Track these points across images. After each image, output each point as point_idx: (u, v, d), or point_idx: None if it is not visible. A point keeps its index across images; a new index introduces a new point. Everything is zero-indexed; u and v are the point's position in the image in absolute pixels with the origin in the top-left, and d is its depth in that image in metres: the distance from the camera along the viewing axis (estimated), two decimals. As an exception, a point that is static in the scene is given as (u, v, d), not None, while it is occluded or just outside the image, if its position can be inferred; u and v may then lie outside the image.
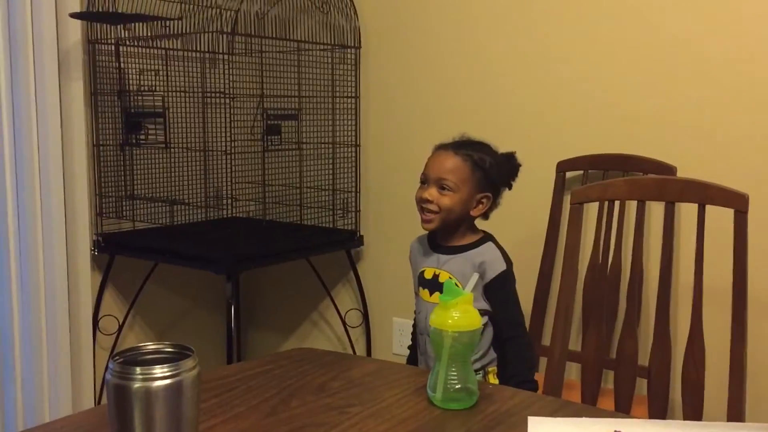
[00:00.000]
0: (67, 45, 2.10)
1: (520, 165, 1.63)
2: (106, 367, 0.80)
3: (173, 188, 2.40)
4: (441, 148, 1.61)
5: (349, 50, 2.40)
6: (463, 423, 1.00)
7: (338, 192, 2.45)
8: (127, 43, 2.24)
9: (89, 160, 2.22)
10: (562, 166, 2.06)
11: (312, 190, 2.46)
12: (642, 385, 1.61)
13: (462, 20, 2.26)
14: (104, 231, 2.28)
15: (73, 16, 2.02)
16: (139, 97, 2.28)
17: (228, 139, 2.13)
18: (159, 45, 2.28)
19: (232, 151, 2.15)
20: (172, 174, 2.40)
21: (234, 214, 2.32)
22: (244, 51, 2.30)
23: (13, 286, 2.05)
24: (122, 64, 2.25)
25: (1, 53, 1.96)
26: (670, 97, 1.95)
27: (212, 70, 2.45)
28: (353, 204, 2.45)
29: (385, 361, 1.27)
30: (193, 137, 2.42)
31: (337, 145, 2.43)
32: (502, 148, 1.64)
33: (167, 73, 2.34)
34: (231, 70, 2.16)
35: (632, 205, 1.75)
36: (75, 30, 2.11)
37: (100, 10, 2.11)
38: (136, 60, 2.29)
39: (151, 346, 0.82)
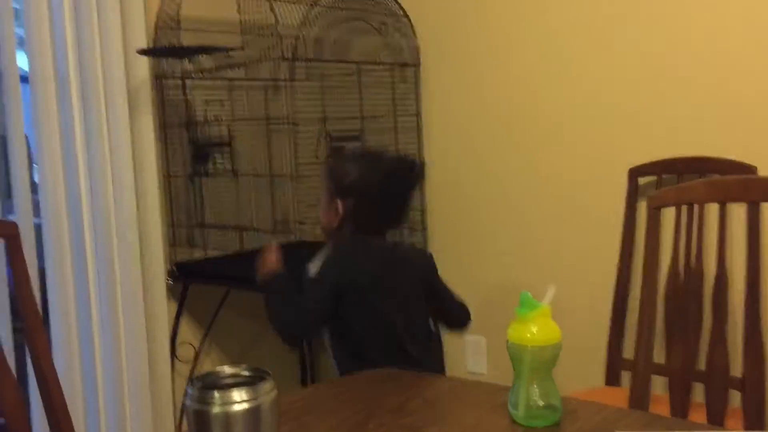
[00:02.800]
0: (136, 81, 2.17)
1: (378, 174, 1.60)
2: (185, 393, 0.80)
3: (242, 215, 2.43)
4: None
5: (408, 68, 2.40)
6: (549, 441, 0.96)
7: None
8: (193, 76, 2.30)
9: (161, 191, 2.27)
10: (635, 172, 1.99)
11: (378, 210, 2.45)
12: (734, 398, 1.53)
13: (519, 32, 2.23)
14: (178, 260, 2.33)
15: (140, 52, 2.09)
16: (206, 128, 2.33)
17: (292, 164, 2.15)
18: (223, 76, 2.33)
19: (297, 175, 2.16)
20: (240, 201, 2.43)
21: (301, 238, 2.33)
22: (305, 77, 2.32)
23: (94, 318, 2.11)
24: (188, 96, 2.31)
25: (74, 92, 2.04)
26: (746, 93, 1.87)
27: (275, 97, 2.49)
28: (420, 221, 2.43)
29: (460, 379, 1.24)
30: (259, 164, 2.45)
31: (402, 164, 2.42)
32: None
33: (231, 103, 2.39)
34: (293, 96, 2.18)
35: (709, 210, 1.67)
36: (143, 66, 2.17)
37: (166, 45, 2.17)
38: (202, 92, 2.34)
39: (228, 370, 0.81)
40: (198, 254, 2.37)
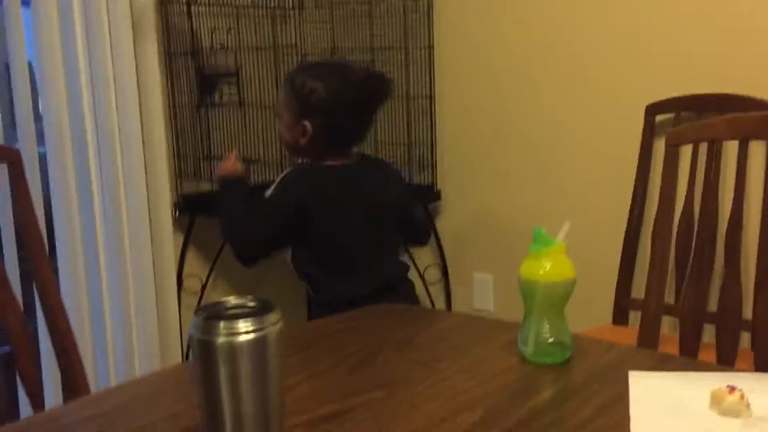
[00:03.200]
0: (139, 6, 2.10)
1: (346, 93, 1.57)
2: (190, 324, 0.78)
3: (249, 147, 2.40)
4: None
5: (421, -2, 2.32)
6: (558, 378, 0.95)
7: (414, 146, 2.40)
8: (198, 1, 2.23)
9: (167, 122, 2.23)
10: (652, 109, 1.94)
11: (387, 144, 2.41)
12: (743, 340, 1.51)
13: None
14: (184, 193, 2.30)
15: (144, -25, 2.01)
16: (212, 57, 2.27)
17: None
18: (229, 2, 2.26)
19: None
20: (248, 133, 2.39)
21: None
22: (314, 4, 2.25)
23: (100, 249, 2.10)
24: (194, 23, 2.24)
25: (77, 17, 1.97)
26: (772, 29, 1.80)
27: (283, 26, 2.42)
28: (429, 158, 2.39)
29: (469, 315, 1.22)
30: (266, 95, 2.40)
31: (411, 98, 2.37)
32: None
33: (238, 32, 2.32)
34: (302, 25, 2.11)
35: (729, 147, 1.63)
36: (146, -10, 2.10)
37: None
38: (208, 19, 2.27)
39: (233, 300, 0.79)
40: (205, 186, 2.35)
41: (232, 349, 0.75)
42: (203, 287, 2.43)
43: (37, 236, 1.32)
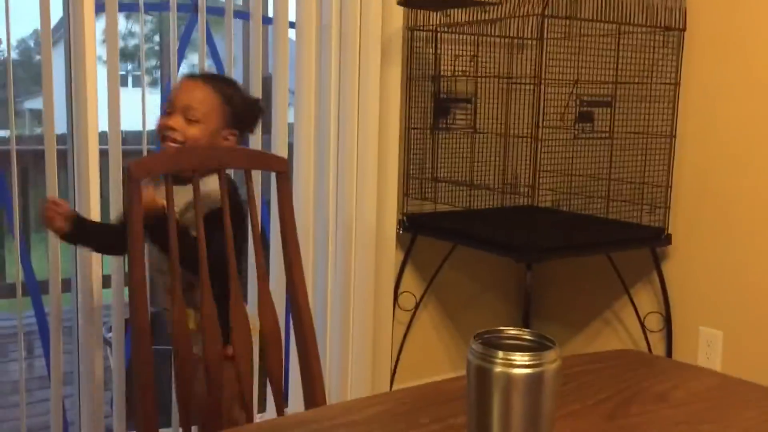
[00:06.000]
0: (389, 32, 2.20)
1: (263, 112, 1.60)
2: (469, 349, 0.79)
3: (475, 173, 2.42)
4: (189, 77, 1.52)
5: (671, 32, 2.21)
6: None
7: (647, 186, 2.28)
8: (444, 30, 2.29)
9: (401, 142, 2.31)
10: None
11: (619, 182, 2.32)
12: None
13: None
14: (409, 211, 2.37)
15: (400, 3, 2.11)
16: (450, 83, 2.33)
17: (534, 125, 2.08)
18: (474, 31, 2.30)
19: (539, 137, 2.09)
20: (476, 159, 2.42)
21: (533, 203, 2.27)
22: (562, 35, 2.22)
23: (329, 256, 2.22)
24: (438, 50, 2.31)
25: (334, 40, 2.11)
26: None
27: (522, 54, 2.42)
28: (663, 200, 2.26)
29: (729, 376, 1.13)
30: (498, 122, 2.41)
31: (651, 136, 2.27)
32: None
33: (477, 59, 2.36)
34: (543, 55, 2.10)
35: None
36: (397, 17, 2.20)
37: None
38: (450, 46, 2.33)
39: (511, 331, 0.79)
40: (428, 207, 2.40)
41: (509, 379, 0.75)
42: (416, 305, 2.48)
43: (295, 243, 1.41)
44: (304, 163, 2.14)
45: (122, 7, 1.93)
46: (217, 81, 1.53)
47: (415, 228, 2.37)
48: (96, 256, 1.88)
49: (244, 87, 1.63)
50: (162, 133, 1.46)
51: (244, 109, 1.52)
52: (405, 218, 2.37)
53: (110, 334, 2.22)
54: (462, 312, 2.62)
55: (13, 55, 1.94)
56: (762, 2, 2.06)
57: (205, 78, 1.53)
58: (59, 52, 1.96)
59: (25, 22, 3.12)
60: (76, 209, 1.78)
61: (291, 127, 2.16)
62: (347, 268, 2.23)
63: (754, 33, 2.08)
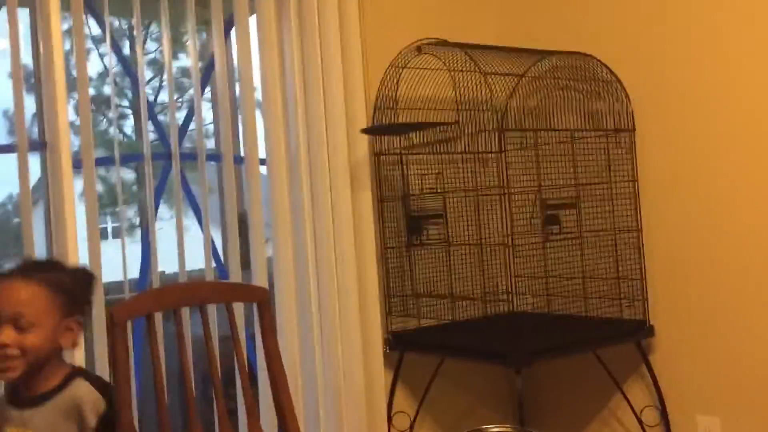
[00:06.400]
0: (357, 158, 2.31)
1: (94, 277, 1.40)
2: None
3: (454, 285, 2.46)
4: (5, 279, 1.30)
5: (622, 134, 2.34)
6: None
7: (622, 280, 2.34)
8: (407, 153, 2.40)
9: (379, 262, 2.36)
10: None
11: (594, 280, 2.37)
12: None
13: (736, 91, 2.11)
14: (393, 329, 2.39)
15: (364, 131, 2.22)
16: (419, 201, 2.41)
17: (505, 233, 2.15)
18: (438, 150, 2.41)
19: (512, 244, 2.16)
20: (453, 271, 2.47)
21: (513, 309, 2.31)
22: (519, 146, 2.34)
23: (318, 382, 2.21)
24: (404, 171, 2.41)
25: (303, 172, 2.21)
26: None
27: (486, 168, 2.53)
28: (640, 292, 2.31)
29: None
30: (470, 234, 2.48)
31: (618, 231, 2.34)
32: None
33: (443, 176, 2.46)
34: (505, 166, 2.20)
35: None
36: (363, 144, 2.31)
37: (385, 124, 2.29)
38: (416, 166, 2.44)
39: (494, 429, 0.81)
40: (412, 323, 2.42)
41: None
42: (411, 425, 2.44)
43: (280, 370, 1.43)
44: (285, 295, 2.17)
45: (99, 161, 2.03)
46: (38, 270, 1.34)
47: (401, 345, 2.38)
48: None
49: (61, 260, 1.47)
50: None
51: (76, 288, 1.34)
52: (391, 337, 2.38)
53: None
54: (458, 427, 2.58)
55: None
56: (701, 97, 2.20)
57: (24, 272, 1.32)
58: (38, 212, 2.02)
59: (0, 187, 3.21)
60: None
61: (270, 260, 2.21)
62: (337, 394, 2.22)
63: (699, 124, 2.21)
